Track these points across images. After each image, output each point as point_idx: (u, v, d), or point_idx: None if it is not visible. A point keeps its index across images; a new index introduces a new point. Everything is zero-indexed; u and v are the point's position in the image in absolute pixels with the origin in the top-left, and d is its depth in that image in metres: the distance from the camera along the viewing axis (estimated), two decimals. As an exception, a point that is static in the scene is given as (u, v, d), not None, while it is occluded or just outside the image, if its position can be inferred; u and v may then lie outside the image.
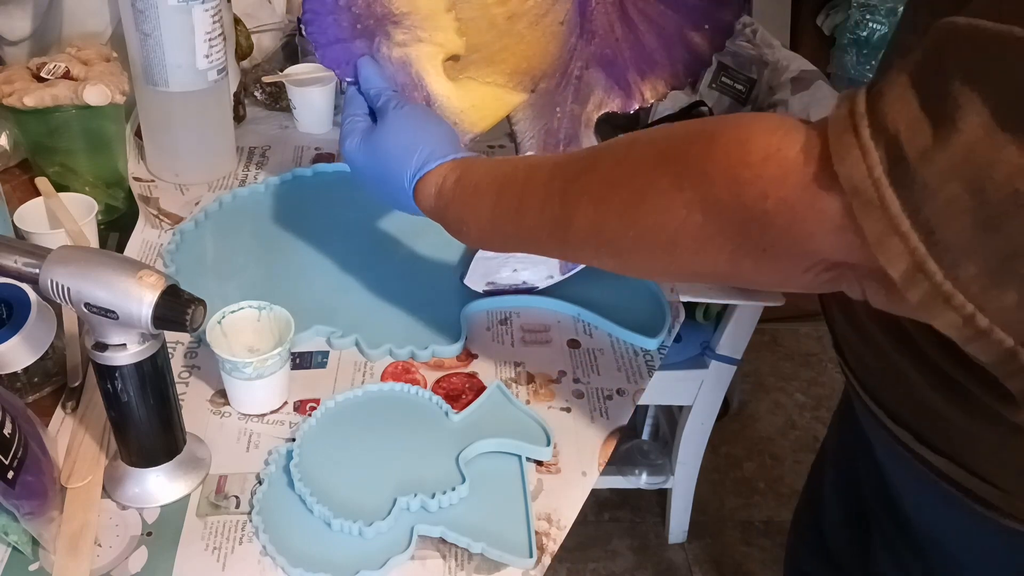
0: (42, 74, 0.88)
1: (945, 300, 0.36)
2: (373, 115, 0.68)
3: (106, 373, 0.56)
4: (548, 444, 0.65)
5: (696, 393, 1.31)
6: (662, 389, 1.30)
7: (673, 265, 0.48)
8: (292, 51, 1.21)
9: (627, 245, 0.48)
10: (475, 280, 0.80)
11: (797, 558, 0.93)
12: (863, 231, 0.36)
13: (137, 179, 0.98)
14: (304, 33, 0.70)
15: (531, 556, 0.58)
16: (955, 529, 0.60)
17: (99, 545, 0.59)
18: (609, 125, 0.83)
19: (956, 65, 0.34)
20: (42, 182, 0.87)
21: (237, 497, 0.62)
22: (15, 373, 0.67)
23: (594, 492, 0.66)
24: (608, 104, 0.82)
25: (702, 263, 0.45)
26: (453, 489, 0.61)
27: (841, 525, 0.81)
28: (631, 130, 1.14)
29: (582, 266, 0.81)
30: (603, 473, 0.66)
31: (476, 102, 0.74)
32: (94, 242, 0.85)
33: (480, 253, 0.79)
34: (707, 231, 0.43)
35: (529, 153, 0.78)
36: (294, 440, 0.65)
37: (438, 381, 0.73)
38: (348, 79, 0.71)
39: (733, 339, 1.23)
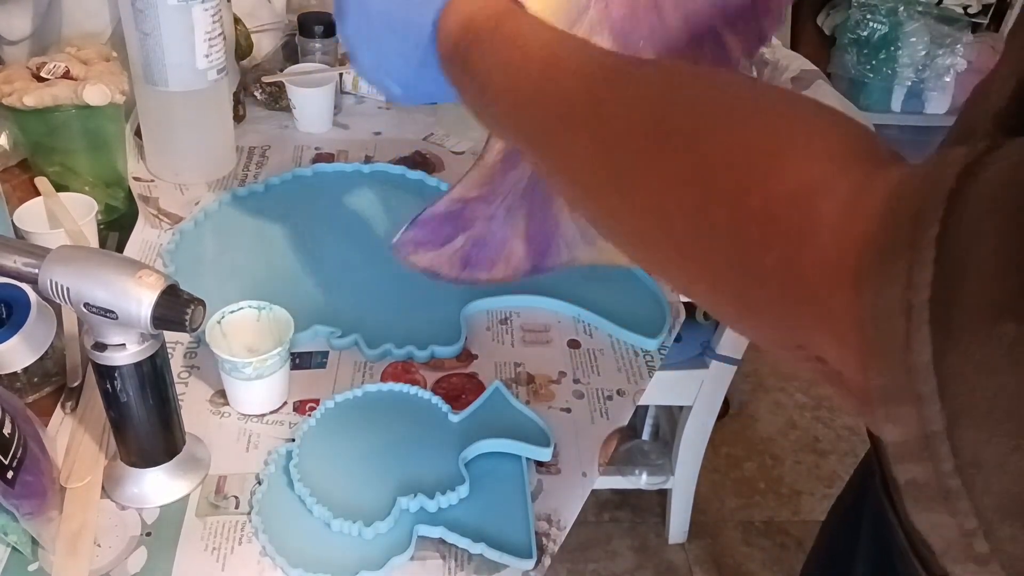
0: (42, 74, 0.88)
1: (945, 496, 0.25)
2: None
3: (105, 373, 0.56)
4: (548, 444, 0.65)
5: (696, 393, 1.31)
6: (662, 389, 1.30)
7: (655, 255, 0.38)
8: (292, 51, 1.21)
9: (624, 212, 0.38)
10: (406, 245, 0.69)
11: None
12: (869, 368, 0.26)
13: (137, 179, 0.98)
14: None
15: (531, 557, 0.58)
16: None
17: (98, 545, 0.59)
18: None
19: None
20: (42, 182, 0.87)
21: (236, 497, 0.62)
22: (15, 373, 0.67)
23: (594, 492, 0.66)
24: None
25: (688, 273, 0.36)
26: (453, 490, 0.61)
27: None
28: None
29: (553, 267, 0.73)
30: (603, 473, 0.66)
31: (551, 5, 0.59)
32: (94, 242, 0.84)
33: (428, 212, 0.67)
34: (693, 235, 0.33)
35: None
36: (294, 440, 0.65)
37: (438, 381, 0.73)
38: None
39: (733, 339, 1.24)
